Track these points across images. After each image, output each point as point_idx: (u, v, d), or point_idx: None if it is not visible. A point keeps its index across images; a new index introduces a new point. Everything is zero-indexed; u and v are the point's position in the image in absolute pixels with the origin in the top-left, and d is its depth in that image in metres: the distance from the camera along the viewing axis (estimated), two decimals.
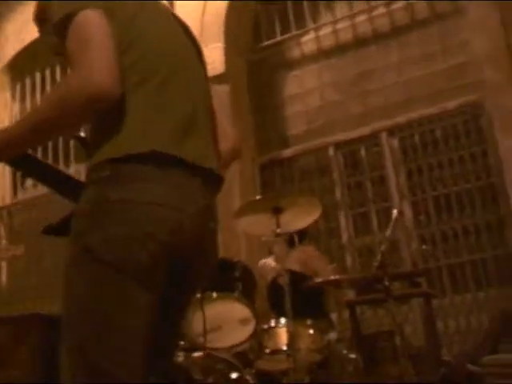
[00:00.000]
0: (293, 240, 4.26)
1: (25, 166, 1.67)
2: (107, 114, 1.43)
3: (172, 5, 5.88)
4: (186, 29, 1.73)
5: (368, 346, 4.13)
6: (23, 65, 6.70)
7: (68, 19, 1.43)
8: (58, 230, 1.56)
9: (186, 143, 1.49)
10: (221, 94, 5.64)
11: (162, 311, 1.53)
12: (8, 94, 7.00)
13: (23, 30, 6.61)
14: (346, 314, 4.49)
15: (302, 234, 4.34)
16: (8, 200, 6.82)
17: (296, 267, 4.06)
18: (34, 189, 6.59)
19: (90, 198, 1.44)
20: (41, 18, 1.71)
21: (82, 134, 1.67)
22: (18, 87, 6.95)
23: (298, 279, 3.79)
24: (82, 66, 1.37)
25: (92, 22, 1.43)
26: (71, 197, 1.65)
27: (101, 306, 1.41)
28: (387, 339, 4.20)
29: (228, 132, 1.79)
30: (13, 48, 6.69)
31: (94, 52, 1.38)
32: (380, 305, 4.89)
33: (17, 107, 6.92)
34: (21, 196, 6.76)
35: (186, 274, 1.56)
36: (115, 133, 1.43)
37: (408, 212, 5.21)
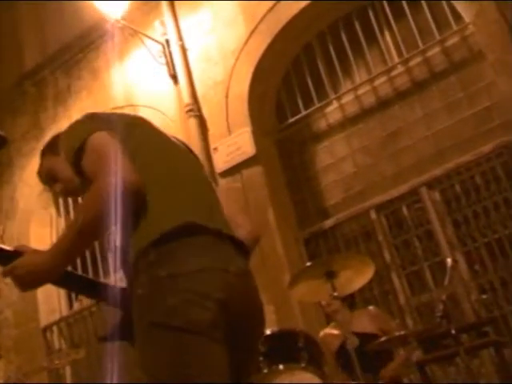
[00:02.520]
0: (352, 304, 4.18)
1: (68, 282, 1.81)
2: (134, 212, 1.63)
3: (196, 95, 6.09)
4: (175, 137, 1.99)
5: None
6: None
7: (81, 146, 1.68)
8: (113, 336, 1.71)
9: (210, 217, 1.70)
10: (253, 175, 5.72)
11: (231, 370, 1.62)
12: (53, 210, 7.19)
13: None
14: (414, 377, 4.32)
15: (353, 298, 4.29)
16: (65, 312, 6.90)
17: (362, 329, 3.96)
18: (88, 299, 6.66)
19: (143, 282, 1.59)
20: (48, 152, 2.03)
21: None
22: (61, 202, 7.13)
23: (366, 340, 3.69)
24: (107, 174, 1.58)
25: (103, 141, 1.68)
26: (113, 303, 1.79)
27: (183, 367, 1.53)
28: None
29: (241, 220, 1.96)
30: None
31: (113, 162, 1.60)
32: (450, 362, 4.70)
33: (62, 222, 7.07)
34: (76, 307, 6.82)
35: (241, 331, 1.67)
36: (146, 221, 1.62)
37: (462, 263, 5.06)
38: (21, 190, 7.21)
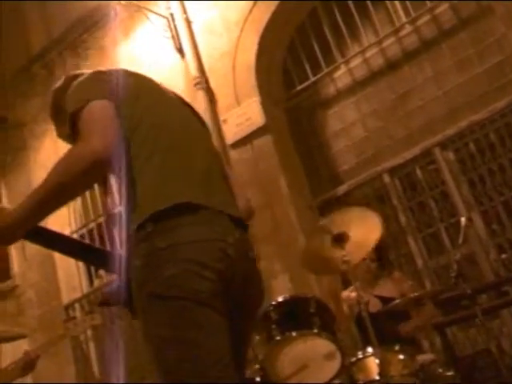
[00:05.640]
0: (379, 267, 4.13)
1: (42, 238, 1.80)
2: (135, 182, 1.67)
3: (203, 67, 6.06)
4: (181, 99, 2.00)
5: (465, 368, 3.91)
6: None
7: (79, 110, 1.69)
8: (110, 301, 1.74)
9: (208, 194, 1.70)
10: (264, 145, 5.69)
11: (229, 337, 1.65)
12: None
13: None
14: (436, 339, 4.30)
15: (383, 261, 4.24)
16: (86, 290, 6.97)
17: (385, 293, 3.93)
18: (107, 275, 6.71)
19: (142, 253, 1.62)
20: (56, 108, 2.07)
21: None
22: None
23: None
24: (83, 139, 1.63)
25: (96, 109, 1.68)
26: (92, 262, 1.97)
27: (183, 334, 1.56)
28: (485, 358, 3.97)
29: (239, 193, 1.96)
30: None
31: (94, 129, 1.63)
32: (470, 323, 4.66)
33: (78, 202, 7.10)
34: (97, 283, 6.88)
35: (240, 299, 1.71)
36: (147, 195, 1.66)
37: (479, 223, 5.00)
38: (36, 173, 7.26)
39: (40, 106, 6.86)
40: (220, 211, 1.69)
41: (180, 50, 6.20)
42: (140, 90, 1.84)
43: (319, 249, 3.55)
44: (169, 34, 6.25)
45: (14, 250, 7.24)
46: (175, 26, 6.27)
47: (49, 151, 7.10)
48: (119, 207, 1.77)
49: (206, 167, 1.78)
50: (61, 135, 2.08)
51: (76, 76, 1.96)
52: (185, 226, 1.61)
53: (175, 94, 1.99)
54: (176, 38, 6.23)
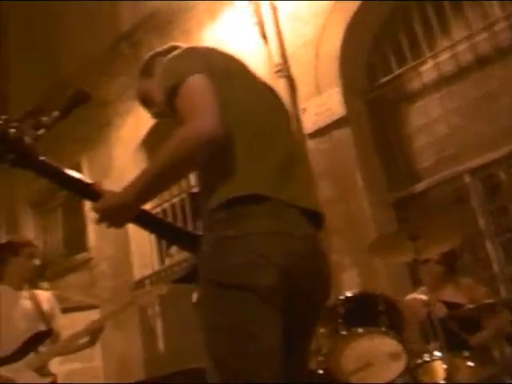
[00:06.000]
0: (447, 272, 4.01)
1: (147, 222, 1.85)
2: (215, 166, 1.66)
3: (285, 55, 6.02)
4: (270, 88, 1.97)
5: None
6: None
7: (177, 86, 1.68)
8: (185, 279, 1.79)
9: (283, 185, 1.67)
10: (342, 137, 5.61)
11: (290, 335, 1.64)
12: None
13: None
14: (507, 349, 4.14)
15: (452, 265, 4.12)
16: (156, 267, 7.13)
17: (452, 299, 3.82)
18: (178, 254, 6.83)
19: (211, 240, 1.63)
20: (146, 68, 2.05)
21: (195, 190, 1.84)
22: None
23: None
24: (192, 119, 1.60)
25: (197, 85, 1.67)
26: (185, 247, 1.90)
27: (242, 325, 1.55)
28: None
29: None
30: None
31: (201, 107, 1.62)
32: None
33: None
34: (167, 262, 7.02)
35: (307, 294, 1.68)
36: (223, 181, 1.64)
37: None
38: (117, 149, 7.46)
39: (125, 85, 7.02)
40: (291, 205, 1.65)
41: (264, 37, 6.18)
42: (232, 71, 1.82)
43: (390, 239, 3.51)
44: (254, 20, 6.24)
45: (90, 224, 7.47)
46: (261, 13, 6.26)
47: (131, 128, 7.27)
48: (197, 189, 1.80)
49: (287, 157, 1.74)
50: (140, 93, 2.09)
51: (177, 47, 1.97)
52: (254, 217, 1.60)
53: (261, 79, 1.95)
54: (261, 24, 6.22)
